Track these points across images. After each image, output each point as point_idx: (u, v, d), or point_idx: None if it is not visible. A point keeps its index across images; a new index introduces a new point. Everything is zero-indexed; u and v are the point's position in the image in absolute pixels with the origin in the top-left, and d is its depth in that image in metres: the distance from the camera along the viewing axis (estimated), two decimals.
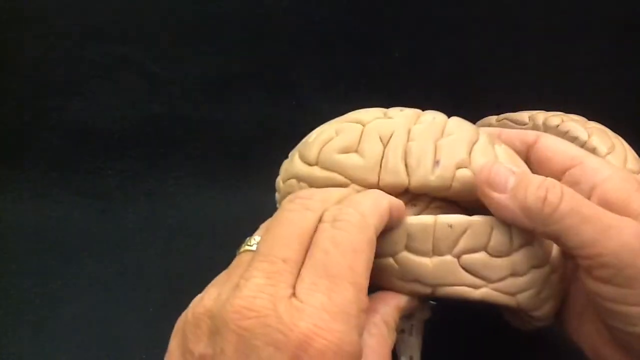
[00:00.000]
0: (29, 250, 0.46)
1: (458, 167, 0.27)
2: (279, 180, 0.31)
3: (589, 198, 0.27)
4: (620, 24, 0.48)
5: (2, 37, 0.48)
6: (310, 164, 0.29)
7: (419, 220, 0.27)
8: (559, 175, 0.29)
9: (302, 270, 0.22)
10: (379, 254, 0.26)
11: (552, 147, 0.30)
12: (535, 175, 0.27)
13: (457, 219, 0.26)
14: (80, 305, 0.41)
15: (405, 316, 0.29)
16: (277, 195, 0.32)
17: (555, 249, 0.28)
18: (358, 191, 0.27)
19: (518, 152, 0.30)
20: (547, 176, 0.29)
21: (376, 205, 0.25)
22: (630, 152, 0.36)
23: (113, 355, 0.38)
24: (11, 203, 0.50)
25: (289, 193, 0.29)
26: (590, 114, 0.38)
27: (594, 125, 0.37)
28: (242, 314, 0.21)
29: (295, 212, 0.25)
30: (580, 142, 0.36)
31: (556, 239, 0.26)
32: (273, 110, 0.52)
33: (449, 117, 0.30)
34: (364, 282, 0.23)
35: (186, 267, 0.44)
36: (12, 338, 0.39)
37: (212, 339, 0.22)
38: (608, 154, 0.35)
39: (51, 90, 0.49)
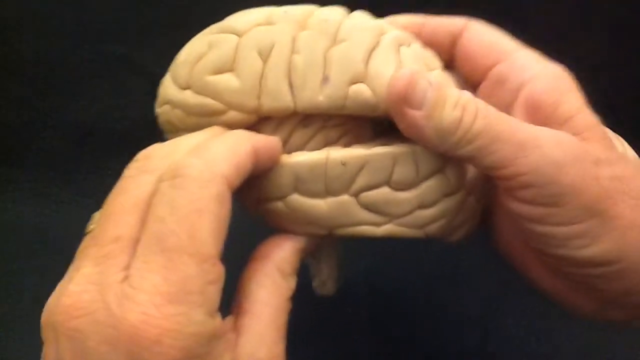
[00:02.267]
0: (29, 250, 0.46)
1: (352, 83, 0.23)
2: (156, 105, 0.27)
3: (515, 100, 0.24)
4: (621, 24, 0.48)
5: (2, 37, 0.48)
6: (182, 88, 0.25)
7: (306, 159, 0.23)
8: (484, 73, 0.25)
9: (137, 246, 0.19)
10: (266, 198, 0.24)
11: (479, 39, 0.26)
12: (452, 89, 0.23)
13: (352, 155, 0.23)
14: None
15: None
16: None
17: (472, 169, 0.25)
18: (230, 124, 0.24)
19: (443, 47, 0.26)
20: (472, 75, 0.26)
21: (231, 151, 0.21)
22: (630, 152, 0.36)
23: None
24: (11, 203, 0.50)
25: (167, 121, 0.26)
26: None
27: None
28: (69, 314, 0.18)
29: (131, 178, 0.21)
30: None
31: (471, 161, 0.23)
32: None
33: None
34: (210, 249, 0.19)
35: None
36: (12, 338, 0.38)
37: (55, 344, 0.19)
38: None
39: (51, 90, 0.49)
